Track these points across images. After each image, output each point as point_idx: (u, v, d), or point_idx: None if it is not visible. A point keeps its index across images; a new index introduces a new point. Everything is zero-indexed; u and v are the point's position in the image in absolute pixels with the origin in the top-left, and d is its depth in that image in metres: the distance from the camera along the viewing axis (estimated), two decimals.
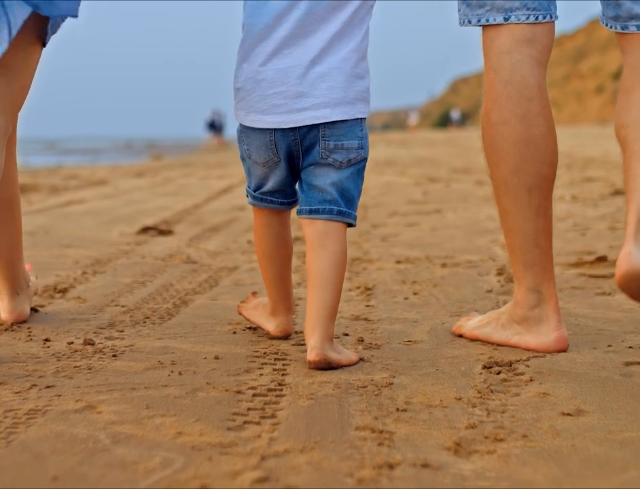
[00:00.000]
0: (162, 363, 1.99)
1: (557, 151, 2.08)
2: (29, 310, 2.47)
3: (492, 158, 2.10)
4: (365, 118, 2.07)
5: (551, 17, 2.08)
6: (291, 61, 1.99)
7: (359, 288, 2.95)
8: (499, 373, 1.92)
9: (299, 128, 2.00)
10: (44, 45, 2.14)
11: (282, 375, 1.91)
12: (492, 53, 2.08)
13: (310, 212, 2.03)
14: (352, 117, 2.02)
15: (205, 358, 2.04)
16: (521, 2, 2.05)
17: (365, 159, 2.07)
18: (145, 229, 4.50)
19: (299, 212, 2.05)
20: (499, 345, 2.15)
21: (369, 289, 2.93)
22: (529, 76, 2.05)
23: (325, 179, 2.02)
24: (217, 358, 2.03)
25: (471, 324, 2.25)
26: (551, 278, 2.10)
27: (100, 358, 2.05)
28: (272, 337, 2.23)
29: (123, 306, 2.65)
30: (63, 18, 2.13)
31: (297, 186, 2.13)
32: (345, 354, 2.00)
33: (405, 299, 2.77)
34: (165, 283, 3.04)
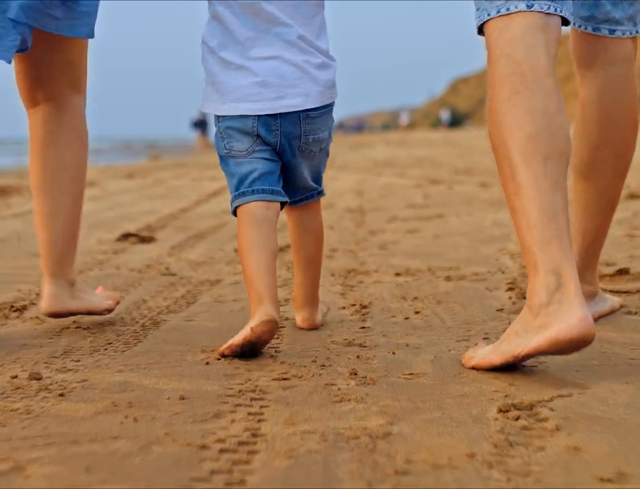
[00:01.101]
0: (116, 406, 1.67)
1: (570, 131, 1.97)
2: (73, 308, 2.34)
3: (504, 130, 1.95)
4: (333, 107, 2.23)
5: (565, 13, 2.01)
6: (262, 53, 2.11)
7: (353, 305, 2.63)
8: (517, 419, 1.60)
9: (281, 121, 2.12)
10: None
11: (259, 421, 1.59)
12: (503, 42, 1.99)
13: (294, 203, 2.26)
14: (321, 104, 2.15)
15: (169, 398, 1.72)
16: None
17: (330, 140, 2.26)
18: (125, 236, 4.18)
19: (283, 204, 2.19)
20: (522, 358, 1.88)
21: (365, 307, 2.61)
22: (543, 58, 1.96)
23: (303, 170, 2.20)
24: (183, 399, 1.71)
25: (485, 350, 1.97)
26: (570, 258, 1.89)
27: (45, 397, 1.73)
28: (253, 330, 2.00)
29: (85, 329, 2.33)
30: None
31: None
32: (324, 311, 2.43)
33: (406, 319, 2.46)
34: (137, 300, 2.72)
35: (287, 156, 2.16)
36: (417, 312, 2.53)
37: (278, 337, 2.23)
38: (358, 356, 2.03)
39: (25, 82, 2.34)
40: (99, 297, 2.41)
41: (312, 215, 2.31)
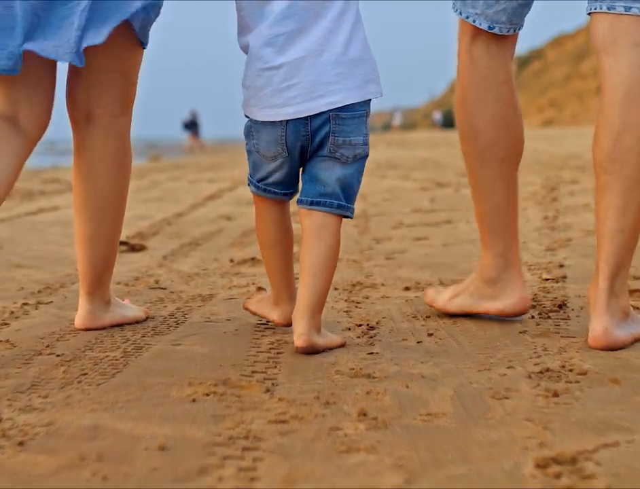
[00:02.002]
0: (83, 459, 1.41)
1: (522, 131, 2.37)
2: (106, 322, 2.38)
3: (469, 133, 2.34)
4: (369, 115, 2.17)
5: (521, 27, 2.36)
6: (298, 53, 2.08)
7: (360, 326, 2.37)
8: (559, 477, 1.34)
9: (312, 122, 2.09)
10: (144, 47, 2.29)
11: (251, 480, 1.34)
12: (472, 47, 2.33)
13: (311, 203, 2.12)
14: (364, 99, 2.12)
15: (146, 448, 1.46)
16: (507, 18, 2.29)
17: (367, 155, 2.18)
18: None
19: (299, 202, 2.14)
20: (472, 313, 2.42)
21: (372, 328, 2.36)
22: (506, 65, 2.33)
23: (329, 174, 2.12)
24: (163, 449, 1.46)
25: (443, 298, 2.47)
26: (516, 245, 2.38)
27: (1, 447, 1.47)
28: (277, 325, 2.31)
29: (59, 355, 2.08)
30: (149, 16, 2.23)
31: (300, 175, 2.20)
32: (330, 338, 2.15)
33: (419, 343, 2.20)
34: None
35: (315, 155, 2.14)
36: (430, 334, 2.28)
37: (275, 366, 1.98)
38: (367, 392, 1.78)
39: (75, 94, 2.27)
40: (131, 309, 2.45)
41: (328, 227, 2.13)
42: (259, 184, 2.19)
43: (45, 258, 3.63)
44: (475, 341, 2.21)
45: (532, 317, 2.44)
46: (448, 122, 71.15)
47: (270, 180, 2.17)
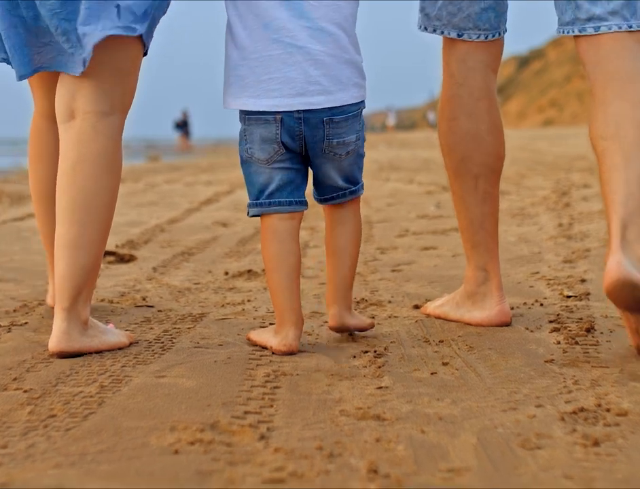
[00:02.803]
0: None
1: (504, 146, 2.36)
2: (82, 346, 2.12)
3: (444, 149, 2.38)
4: (362, 110, 2.18)
5: (500, 34, 2.33)
6: (284, 48, 2.06)
7: (366, 353, 2.13)
8: None
9: (305, 123, 2.08)
10: (145, 54, 2.21)
11: None
12: (450, 60, 2.34)
13: (325, 200, 2.22)
14: (344, 103, 2.10)
15: None
16: (474, 24, 2.28)
17: (364, 140, 2.21)
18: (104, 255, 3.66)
19: (316, 200, 2.26)
20: (454, 321, 2.43)
21: (379, 355, 2.11)
22: (480, 80, 2.31)
23: (329, 170, 2.16)
24: None
25: (435, 303, 2.53)
26: (495, 258, 2.38)
27: None
28: (274, 353, 2.12)
29: (26, 391, 1.83)
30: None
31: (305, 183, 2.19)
32: (360, 319, 2.28)
33: (433, 374, 1.95)
34: None
35: (311, 158, 2.15)
36: (445, 363, 2.03)
37: (271, 405, 1.74)
38: (377, 439, 1.53)
39: (63, 88, 2.15)
40: (113, 333, 2.20)
41: (348, 211, 2.23)
42: (262, 200, 2.14)
43: (27, 270, 3.38)
44: (496, 371, 1.97)
45: (558, 343, 2.20)
46: None
47: (272, 187, 2.13)
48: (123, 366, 2.02)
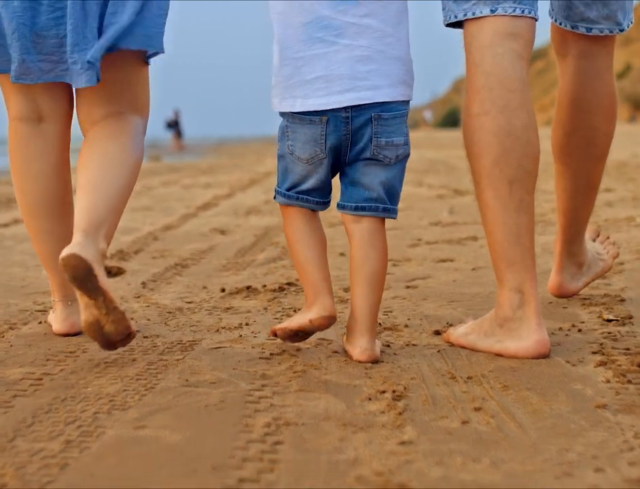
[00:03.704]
0: None
1: (539, 145, 2.07)
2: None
3: (473, 150, 2.08)
4: (407, 116, 2.09)
5: (535, 13, 2.07)
6: (329, 46, 2.00)
7: (383, 394, 1.81)
8: None
9: (353, 121, 2.01)
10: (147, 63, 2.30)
11: None
12: (473, 48, 2.07)
13: (356, 209, 2.06)
14: (393, 99, 2.04)
15: None
16: None
17: (409, 155, 2.11)
18: None
19: (341, 207, 2.08)
20: (485, 352, 2.10)
21: (399, 396, 1.79)
22: (510, 68, 2.03)
23: (373, 178, 2.05)
24: None
25: (459, 331, 2.21)
26: (533, 278, 2.07)
27: None
28: (315, 323, 2.09)
29: None
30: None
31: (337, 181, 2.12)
32: (379, 348, 2.11)
33: (464, 423, 1.64)
34: (73, 382, 1.90)
35: (356, 160, 2.06)
36: (478, 409, 1.71)
37: (272, 468, 1.42)
38: None
39: (85, 105, 2.25)
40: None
41: (377, 232, 2.09)
42: (290, 193, 2.10)
43: (2, 286, 3.06)
44: (540, 420, 1.65)
45: (607, 381, 1.88)
46: (449, 122, 70.65)
47: (304, 186, 2.09)
48: (96, 412, 1.70)
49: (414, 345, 2.22)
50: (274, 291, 2.91)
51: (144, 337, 2.32)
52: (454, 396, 1.80)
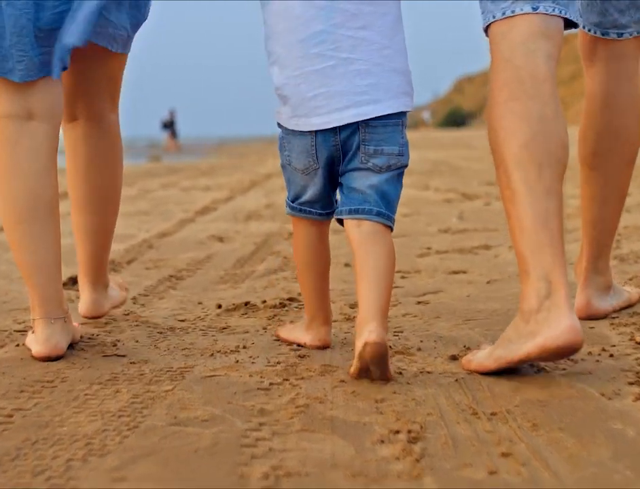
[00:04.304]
0: None
1: (567, 137, 1.97)
2: (107, 309, 2.54)
3: (499, 136, 1.98)
4: (405, 125, 2.05)
5: (571, 18, 2.03)
6: (326, 61, 1.98)
7: (397, 434, 1.60)
8: None
9: (340, 132, 2.00)
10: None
11: None
12: (503, 46, 2.01)
13: (350, 212, 2.03)
14: (396, 111, 2.01)
15: None
16: None
17: (406, 166, 2.06)
18: (75, 281, 3.13)
19: (339, 213, 2.06)
20: (515, 363, 1.91)
21: (415, 438, 1.58)
22: (543, 64, 1.98)
23: (363, 182, 2.03)
24: None
25: (477, 355, 2.02)
26: (562, 265, 1.90)
27: None
28: (310, 348, 2.19)
29: None
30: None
31: (337, 193, 2.12)
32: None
33: (492, 473, 1.42)
34: (45, 422, 1.69)
35: (346, 165, 2.05)
36: (506, 455, 1.50)
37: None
38: None
39: (66, 97, 2.29)
40: (116, 291, 2.61)
41: (378, 233, 2.02)
42: (294, 204, 2.13)
43: None
44: (578, 469, 1.43)
45: None
46: (449, 122, 70.37)
47: (304, 197, 2.11)
48: (69, 459, 1.49)
49: (428, 372, 2.01)
50: (275, 307, 2.70)
51: (130, 363, 2.11)
52: (477, 437, 1.59)
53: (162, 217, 5.45)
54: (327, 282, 2.21)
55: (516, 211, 1.95)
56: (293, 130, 2.05)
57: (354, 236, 2.02)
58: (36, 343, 2.14)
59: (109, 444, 1.56)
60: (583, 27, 2.37)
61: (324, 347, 2.19)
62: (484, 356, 1.98)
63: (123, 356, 2.17)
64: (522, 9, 2.00)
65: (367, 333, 1.89)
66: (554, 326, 1.83)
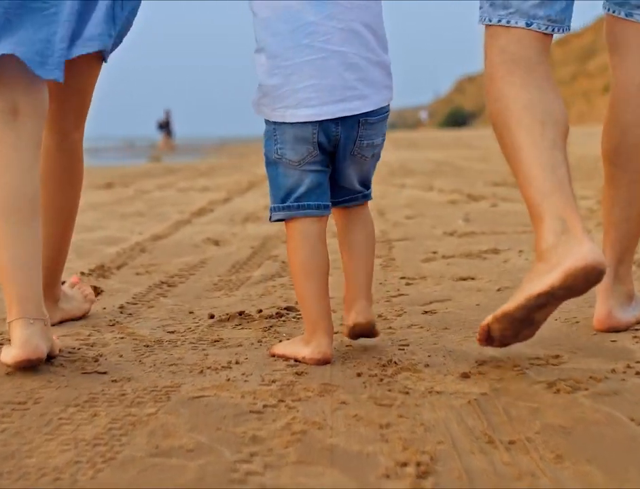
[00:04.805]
0: None
1: (567, 114, 2.03)
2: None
3: (501, 102, 2.04)
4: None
5: (563, 30, 2.12)
6: (317, 53, 1.98)
7: (404, 466, 1.42)
8: None
9: (342, 124, 2.01)
10: (105, 61, 2.24)
11: None
12: (500, 41, 2.08)
13: (337, 203, 2.12)
14: (380, 106, 2.06)
15: None
16: (545, 12, 2.07)
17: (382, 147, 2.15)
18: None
19: None
20: (536, 299, 1.83)
21: (425, 473, 1.40)
22: (536, 54, 2.06)
23: (352, 178, 2.10)
24: None
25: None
26: (574, 207, 1.92)
27: None
28: (309, 363, 2.03)
29: None
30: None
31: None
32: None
33: None
34: (11, 452, 1.51)
35: (338, 160, 2.07)
36: None
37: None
38: None
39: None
40: (76, 302, 2.52)
41: (360, 212, 2.16)
42: (287, 203, 2.04)
43: None
44: None
45: None
46: (450, 122, 70.21)
47: (300, 191, 2.04)
48: None
49: (438, 392, 1.83)
50: (271, 317, 2.52)
51: (112, 381, 1.93)
52: (494, 470, 1.42)
53: (157, 219, 5.27)
54: (327, 287, 2.09)
55: (523, 166, 1.96)
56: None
57: (337, 218, 2.16)
58: (13, 347, 1.95)
59: (80, 479, 1.39)
60: (609, 10, 2.26)
61: (325, 361, 2.02)
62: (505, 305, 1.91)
63: (105, 373, 1.99)
64: (516, 23, 2.07)
65: (355, 315, 2.09)
66: (576, 251, 1.82)
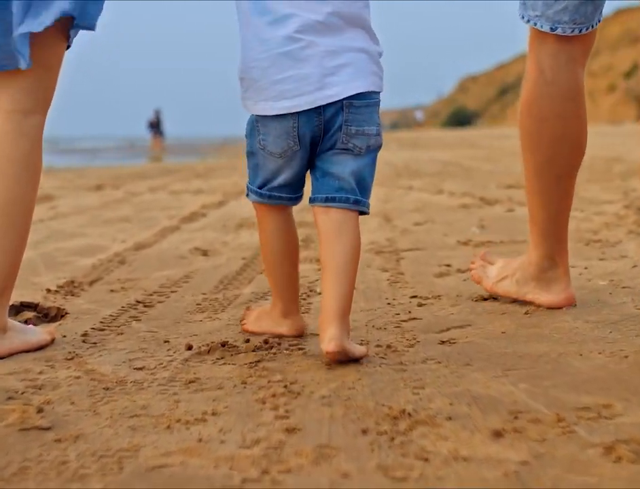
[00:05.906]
0: None
1: (586, 144, 2.33)
2: None
3: (528, 146, 2.34)
4: (379, 106, 2.08)
5: (593, 26, 2.24)
6: (294, 43, 1.96)
7: None
8: None
9: (324, 111, 1.98)
10: (68, 47, 2.13)
11: None
12: (539, 53, 2.28)
13: (326, 200, 2.02)
14: (365, 90, 2.01)
15: None
16: (570, 17, 2.20)
17: (381, 146, 2.09)
18: (19, 309, 2.55)
19: (312, 200, 2.04)
20: (516, 299, 2.46)
21: None
22: (571, 79, 2.27)
23: (343, 167, 2.02)
24: None
25: (490, 277, 2.55)
26: (565, 249, 2.41)
27: None
28: (288, 337, 2.17)
29: None
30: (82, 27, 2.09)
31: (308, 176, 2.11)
32: (357, 348, 1.99)
33: None
34: None
35: (327, 148, 2.02)
36: None
37: None
38: None
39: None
40: (34, 333, 2.17)
41: (347, 222, 2.00)
42: (262, 190, 2.08)
43: None
44: None
45: None
46: (453, 121, 69.85)
47: (276, 182, 2.06)
48: None
49: (464, 459, 1.44)
50: (259, 348, 2.13)
51: (55, 440, 1.53)
52: None
53: (143, 225, 4.87)
54: (298, 268, 2.18)
55: (534, 208, 2.40)
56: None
57: (322, 224, 2.01)
58: None
59: None
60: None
61: (301, 334, 2.19)
62: (494, 280, 2.55)
63: (48, 428, 1.60)
64: (542, 27, 2.23)
65: (327, 341, 1.92)
66: (555, 293, 2.42)
